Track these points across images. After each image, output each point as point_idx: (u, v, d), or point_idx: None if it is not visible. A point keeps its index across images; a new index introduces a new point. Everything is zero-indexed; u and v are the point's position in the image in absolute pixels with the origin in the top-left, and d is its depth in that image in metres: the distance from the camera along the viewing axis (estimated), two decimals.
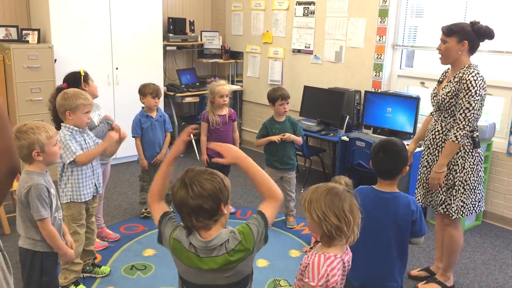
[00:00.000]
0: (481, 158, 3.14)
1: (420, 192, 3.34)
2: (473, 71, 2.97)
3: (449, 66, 3.19)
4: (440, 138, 3.15)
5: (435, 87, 3.27)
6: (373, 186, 2.52)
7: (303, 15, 5.79)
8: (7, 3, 5.39)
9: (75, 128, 3.04)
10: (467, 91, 2.94)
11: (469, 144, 3.08)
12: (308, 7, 5.73)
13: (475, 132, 3.08)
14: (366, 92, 5.09)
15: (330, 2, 5.48)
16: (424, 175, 3.30)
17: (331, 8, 5.48)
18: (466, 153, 3.08)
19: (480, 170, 3.15)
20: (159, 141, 4.28)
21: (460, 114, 2.98)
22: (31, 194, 2.38)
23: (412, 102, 4.65)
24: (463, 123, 2.97)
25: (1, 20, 5.35)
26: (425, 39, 4.88)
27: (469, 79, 2.94)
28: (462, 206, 3.13)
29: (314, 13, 5.67)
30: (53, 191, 2.49)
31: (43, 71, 5.03)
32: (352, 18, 5.29)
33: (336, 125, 5.17)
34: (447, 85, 3.09)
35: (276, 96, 4.11)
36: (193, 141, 6.30)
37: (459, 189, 3.12)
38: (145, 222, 4.29)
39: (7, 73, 5.03)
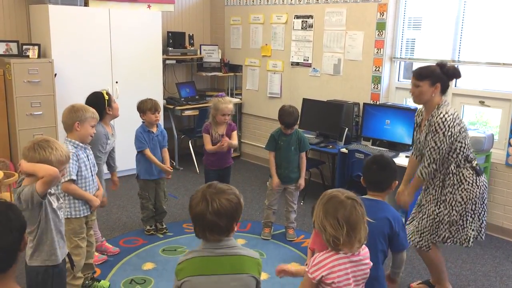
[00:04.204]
0: (485, 186, 3.15)
1: (412, 229, 3.31)
2: (441, 112, 3.02)
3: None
4: (437, 177, 3.17)
5: (416, 131, 3.33)
6: (362, 196, 2.58)
7: (302, 28, 5.84)
8: (7, 18, 5.44)
9: (80, 144, 3.06)
10: (434, 132, 3.02)
11: (471, 175, 3.09)
12: (306, 21, 5.78)
13: (474, 162, 3.11)
14: (364, 104, 5.11)
15: (328, 16, 5.53)
16: (418, 214, 3.33)
17: (329, 22, 5.53)
18: (470, 184, 3.08)
19: (485, 198, 3.17)
20: (158, 158, 4.23)
21: (427, 151, 3.08)
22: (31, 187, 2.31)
23: (411, 114, 4.66)
24: (428, 161, 3.07)
25: (2, 35, 5.39)
26: (423, 51, 4.92)
27: (436, 121, 3.01)
28: (472, 235, 3.14)
29: (312, 27, 5.72)
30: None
31: (43, 86, 5.06)
32: (350, 31, 5.33)
33: (335, 137, 5.19)
34: (424, 130, 3.16)
35: (281, 121, 4.09)
36: (193, 154, 6.31)
37: (467, 219, 3.12)
38: (145, 236, 4.28)
39: (8, 87, 5.05)
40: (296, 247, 4.15)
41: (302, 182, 4.21)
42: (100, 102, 3.58)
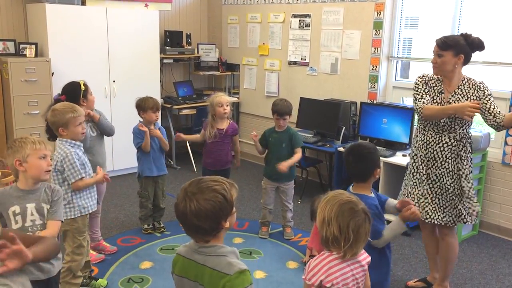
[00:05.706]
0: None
1: (430, 208, 3.17)
2: (478, 81, 3.10)
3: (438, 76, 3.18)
4: (449, 150, 3.09)
5: (434, 96, 3.15)
6: (349, 188, 2.56)
7: (299, 27, 5.84)
8: (4, 17, 5.43)
9: (77, 143, 3.03)
10: (490, 95, 3.05)
11: (469, 150, 3.15)
12: (303, 20, 5.78)
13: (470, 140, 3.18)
14: (361, 103, 5.12)
15: (325, 15, 5.54)
16: (432, 189, 3.16)
17: (327, 21, 5.54)
18: (470, 160, 3.16)
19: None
20: (157, 157, 4.23)
21: (493, 106, 3.02)
22: None
23: (407, 113, 4.68)
24: (497, 110, 3.02)
25: None
26: (420, 51, 4.93)
27: (484, 85, 3.07)
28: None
29: (309, 26, 5.73)
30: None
31: (40, 85, 5.05)
32: (347, 30, 5.34)
33: (333, 136, 5.20)
34: (454, 96, 3.08)
35: (273, 110, 4.10)
36: (190, 153, 6.31)
37: (470, 193, 3.15)
38: (142, 235, 4.28)
39: (5, 86, 5.04)
40: (294, 245, 4.16)
41: (284, 164, 4.00)
42: (75, 92, 3.53)
